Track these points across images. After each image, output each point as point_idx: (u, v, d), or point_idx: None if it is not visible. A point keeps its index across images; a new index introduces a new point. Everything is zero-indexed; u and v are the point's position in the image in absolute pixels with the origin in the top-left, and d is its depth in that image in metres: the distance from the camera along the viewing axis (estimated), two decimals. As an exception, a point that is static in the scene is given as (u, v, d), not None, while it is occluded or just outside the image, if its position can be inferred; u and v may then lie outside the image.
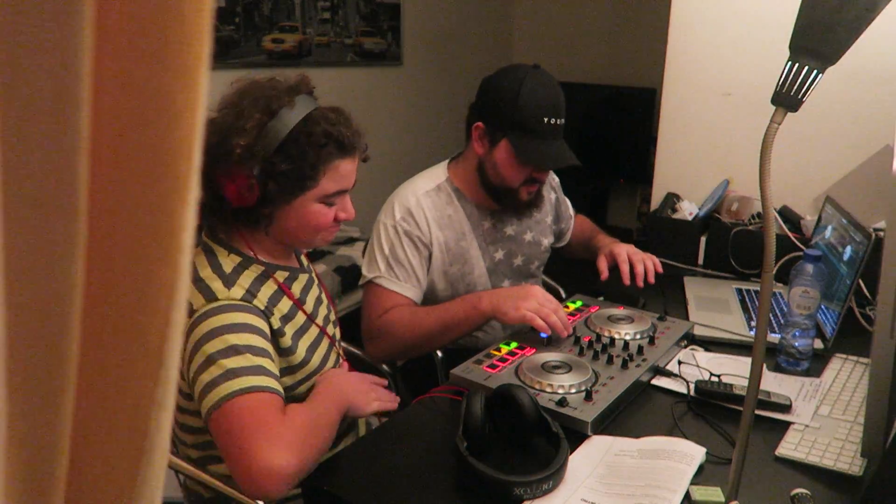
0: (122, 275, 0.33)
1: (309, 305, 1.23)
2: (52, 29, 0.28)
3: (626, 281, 1.60)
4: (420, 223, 1.54)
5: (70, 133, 0.29)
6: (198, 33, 0.31)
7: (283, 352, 1.12)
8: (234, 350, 1.01)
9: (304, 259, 1.32)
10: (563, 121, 1.51)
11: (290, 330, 1.15)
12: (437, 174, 1.64)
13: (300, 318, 1.19)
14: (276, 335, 1.11)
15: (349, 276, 3.00)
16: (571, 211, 1.94)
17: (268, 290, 1.13)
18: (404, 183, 1.63)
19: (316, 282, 1.31)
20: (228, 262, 1.12)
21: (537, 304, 1.33)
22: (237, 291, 1.08)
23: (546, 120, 1.47)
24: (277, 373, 1.06)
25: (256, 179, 1.05)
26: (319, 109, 1.11)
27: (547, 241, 1.79)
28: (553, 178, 1.85)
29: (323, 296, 1.32)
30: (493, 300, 1.37)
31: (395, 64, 4.10)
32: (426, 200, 1.57)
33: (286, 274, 1.20)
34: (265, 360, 1.03)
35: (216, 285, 1.07)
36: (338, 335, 1.36)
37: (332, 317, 1.34)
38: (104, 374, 0.34)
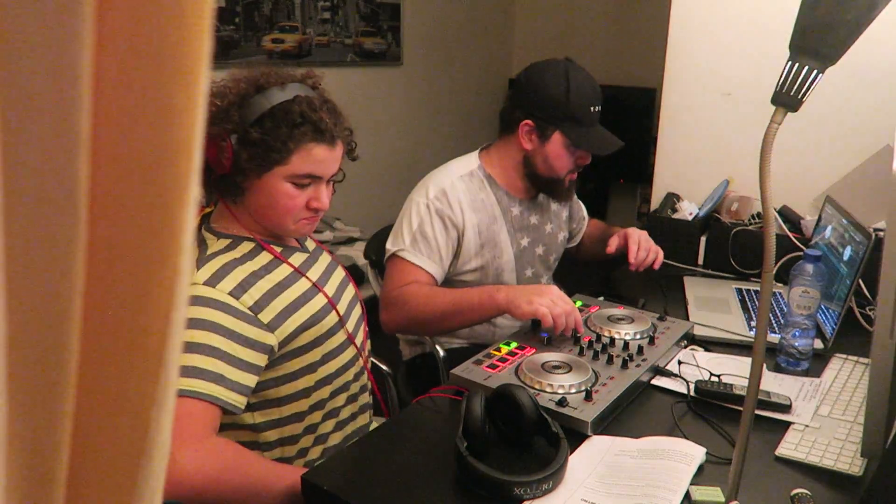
0: (122, 275, 0.33)
1: (315, 274, 1.25)
2: (52, 29, 0.28)
3: (631, 258, 1.68)
4: (453, 204, 1.59)
5: (70, 133, 0.29)
6: (198, 33, 0.31)
7: (268, 327, 1.11)
8: (189, 347, 1.02)
9: (310, 243, 1.33)
10: (600, 109, 1.64)
11: (279, 303, 1.14)
12: (469, 162, 1.69)
13: (300, 286, 1.19)
14: (254, 311, 1.10)
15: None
16: (584, 213, 1.98)
17: (241, 273, 1.12)
18: (438, 167, 1.68)
19: (327, 264, 1.32)
20: (215, 247, 1.14)
21: (550, 301, 1.34)
22: (203, 274, 1.09)
23: (592, 108, 1.60)
24: (232, 371, 1.04)
25: (230, 146, 1.08)
26: (307, 96, 1.13)
27: (563, 235, 1.85)
28: None
29: (347, 283, 1.34)
30: (509, 293, 1.39)
31: (395, 64, 4.10)
32: (460, 184, 1.62)
33: (280, 249, 1.21)
34: (213, 362, 1.03)
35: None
36: (362, 327, 1.37)
37: (358, 309, 1.35)
38: (104, 375, 0.34)
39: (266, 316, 1.11)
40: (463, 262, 1.62)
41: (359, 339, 1.32)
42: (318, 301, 1.21)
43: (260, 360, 1.10)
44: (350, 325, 1.29)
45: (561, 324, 1.32)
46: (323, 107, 1.14)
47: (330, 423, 1.27)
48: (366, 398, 1.37)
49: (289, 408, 1.19)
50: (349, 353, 1.27)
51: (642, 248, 1.70)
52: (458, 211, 1.59)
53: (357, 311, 1.34)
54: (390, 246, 1.59)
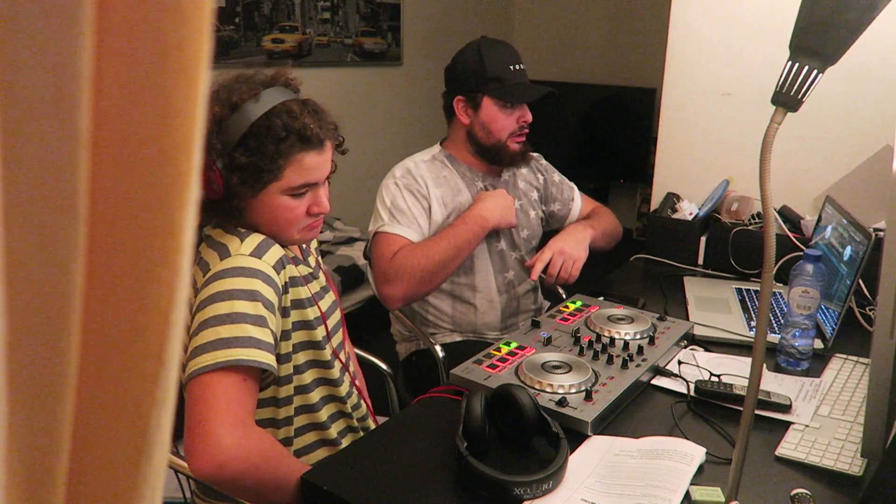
0: (122, 275, 0.33)
1: (314, 287, 1.25)
2: (52, 29, 0.28)
3: (533, 276, 1.66)
4: (418, 180, 1.69)
5: (70, 133, 0.29)
6: (198, 33, 0.31)
7: (284, 311, 1.13)
8: (231, 318, 1.02)
9: (311, 260, 1.32)
10: (523, 66, 1.72)
11: (294, 293, 1.16)
12: (431, 150, 1.82)
13: (304, 291, 1.19)
14: (283, 291, 1.13)
15: (349, 276, 3.00)
16: (576, 196, 1.98)
17: (279, 251, 1.14)
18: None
19: (323, 284, 1.31)
20: (242, 229, 1.15)
21: (543, 256, 1.60)
22: (248, 246, 1.10)
23: (511, 67, 1.69)
24: (272, 340, 1.06)
25: (219, 173, 1.07)
26: (285, 103, 1.10)
27: (534, 213, 1.89)
28: (540, 161, 1.96)
29: (336, 307, 1.33)
30: (493, 215, 1.63)
31: (395, 64, 4.10)
32: (423, 165, 1.74)
33: (293, 255, 1.22)
34: (261, 331, 1.04)
35: (233, 244, 1.10)
36: (345, 339, 1.37)
37: (339, 316, 1.34)
38: (104, 375, 0.34)
39: (287, 299, 1.13)
40: (433, 232, 1.68)
41: (343, 356, 1.31)
42: (313, 311, 1.21)
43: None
44: (335, 342, 1.28)
45: (554, 272, 1.57)
46: (303, 111, 1.11)
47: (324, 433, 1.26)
48: (361, 412, 1.36)
49: (285, 410, 1.19)
50: (337, 369, 1.26)
51: (553, 263, 1.65)
52: (423, 185, 1.69)
53: (339, 336, 1.32)
54: (371, 228, 1.68)
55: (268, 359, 1.03)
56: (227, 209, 1.12)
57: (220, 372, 0.99)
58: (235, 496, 1.04)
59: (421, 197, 1.67)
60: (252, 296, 1.05)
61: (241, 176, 1.07)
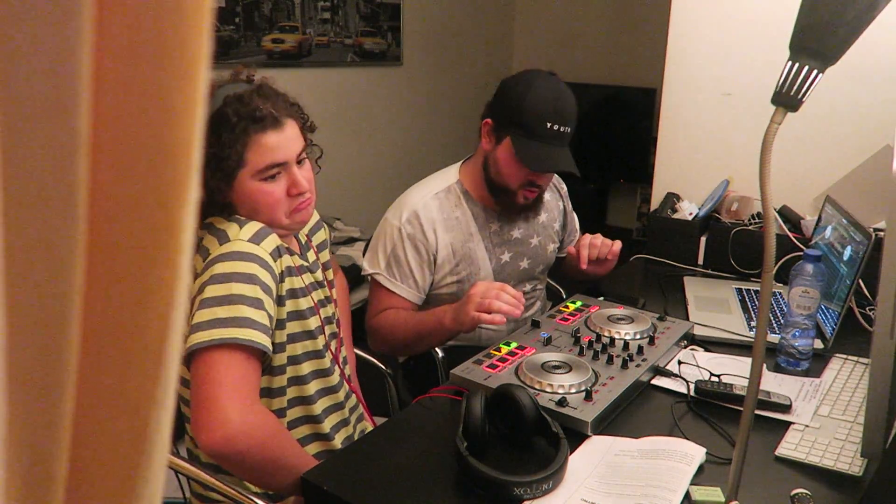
0: (122, 275, 0.33)
1: (307, 279, 1.25)
2: (52, 29, 0.28)
3: (582, 265, 1.61)
4: (425, 227, 1.57)
5: (70, 133, 0.29)
6: (198, 33, 0.31)
7: (279, 300, 1.14)
8: (229, 300, 1.03)
9: (310, 255, 1.33)
10: (568, 129, 1.51)
11: (289, 283, 1.17)
12: (448, 176, 1.66)
13: (299, 281, 1.20)
14: (280, 279, 1.14)
15: (349, 276, 2.98)
16: (577, 226, 1.94)
17: (276, 240, 1.15)
18: (417, 183, 1.66)
19: (320, 278, 1.31)
20: (241, 218, 1.16)
21: (478, 300, 1.33)
22: (247, 232, 1.11)
23: (549, 125, 1.48)
24: (269, 324, 1.08)
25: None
26: (235, 92, 1.12)
27: (553, 246, 1.81)
28: (562, 187, 1.87)
29: (330, 301, 1.34)
30: (453, 315, 1.40)
31: (395, 64, 4.10)
32: (434, 203, 1.59)
33: (287, 247, 1.22)
34: (258, 313, 1.05)
35: (232, 230, 1.11)
36: (337, 332, 1.37)
37: (332, 309, 1.35)
38: (104, 375, 0.34)
39: (283, 288, 1.14)
40: (440, 279, 1.62)
41: (333, 346, 1.32)
42: (306, 301, 1.21)
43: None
44: (328, 331, 1.29)
45: (499, 308, 1.30)
46: (253, 95, 1.12)
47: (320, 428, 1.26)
48: (357, 410, 1.37)
49: (278, 400, 1.20)
50: (328, 359, 1.27)
51: (593, 246, 1.62)
52: (431, 232, 1.57)
53: (332, 328, 1.33)
54: (367, 266, 1.62)
55: (263, 340, 1.05)
56: (214, 206, 1.14)
57: (225, 350, 1.01)
58: (239, 474, 1.05)
59: (424, 250, 1.57)
60: (250, 279, 1.07)
61: (209, 169, 1.09)
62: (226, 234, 1.11)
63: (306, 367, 1.21)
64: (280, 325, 1.15)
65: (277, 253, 1.14)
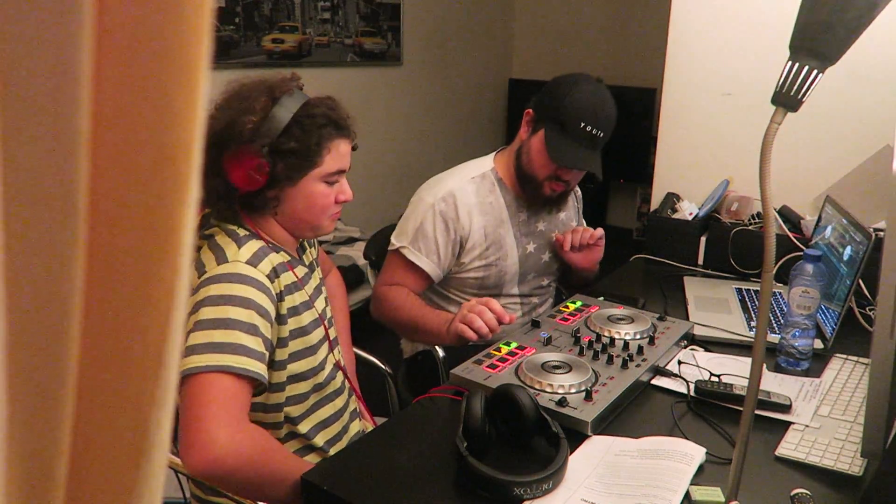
0: (122, 275, 0.33)
1: (309, 290, 1.25)
2: (52, 29, 0.28)
3: (566, 246, 1.68)
4: (461, 209, 1.61)
5: (70, 133, 0.29)
6: (198, 33, 0.31)
7: (280, 319, 1.14)
8: (225, 324, 1.03)
9: (307, 256, 1.33)
10: (602, 133, 1.58)
11: (289, 301, 1.17)
12: (484, 163, 1.72)
13: (300, 296, 1.20)
14: (279, 299, 1.14)
15: (349, 276, 2.99)
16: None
17: (274, 259, 1.16)
18: (451, 168, 1.72)
19: (318, 282, 1.31)
20: (242, 233, 1.17)
21: (465, 313, 1.37)
22: (245, 253, 1.12)
23: (583, 125, 1.55)
24: (263, 350, 1.07)
25: (266, 159, 1.11)
26: (318, 97, 1.18)
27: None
28: (577, 190, 1.91)
29: (325, 296, 1.34)
30: (448, 325, 1.43)
31: (394, 64, 4.10)
32: (470, 186, 1.65)
33: (289, 258, 1.23)
34: (253, 339, 1.05)
35: (230, 249, 1.12)
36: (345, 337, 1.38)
37: (329, 313, 1.35)
38: (104, 375, 0.34)
39: (283, 307, 1.15)
40: (468, 262, 1.65)
41: (337, 353, 1.32)
42: (309, 315, 1.21)
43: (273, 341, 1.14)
44: (331, 336, 1.29)
45: (479, 327, 1.35)
46: (334, 104, 1.19)
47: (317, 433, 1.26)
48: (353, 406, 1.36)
49: (273, 416, 1.19)
50: (330, 363, 1.27)
51: (575, 232, 1.70)
52: (465, 215, 1.61)
53: (332, 332, 1.33)
54: (394, 240, 1.64)
55: (258, 368, 1.05)
56: (262, 200, 1.16)
57: (216, 374, 1.01)
58: (232, 493, 1.05)
59: (453, 230, 1.61)
60: (246, 303, 1.07)
61: (286, 163, 1.13)
62: (224, 253, 1.11)
63: (304, 386, 1.21)
64: (282, 343, 1.15)
65: (275, 273, 1.14)
